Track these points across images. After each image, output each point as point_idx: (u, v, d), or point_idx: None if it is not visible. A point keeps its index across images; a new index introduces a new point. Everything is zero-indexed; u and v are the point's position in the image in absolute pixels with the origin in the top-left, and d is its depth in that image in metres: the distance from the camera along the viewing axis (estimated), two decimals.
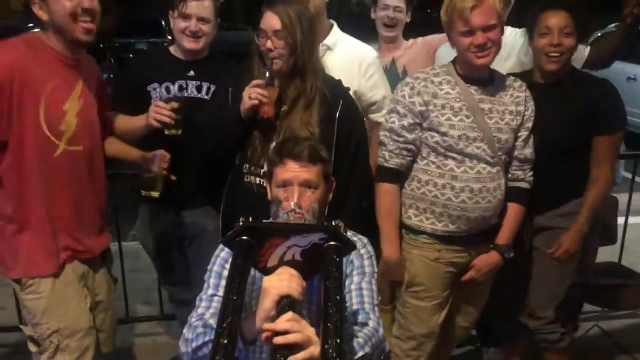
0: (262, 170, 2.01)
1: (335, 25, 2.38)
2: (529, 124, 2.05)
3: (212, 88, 2.26)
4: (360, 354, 1.38)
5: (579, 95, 2.13)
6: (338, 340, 0.91)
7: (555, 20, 2.05)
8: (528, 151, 2.07)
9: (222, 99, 2.09)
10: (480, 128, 1.95)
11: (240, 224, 1.14)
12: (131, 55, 8.41)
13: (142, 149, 2.20)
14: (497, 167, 1.99)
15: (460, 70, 2.00)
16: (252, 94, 1.91)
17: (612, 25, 7.71)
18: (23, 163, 1.84)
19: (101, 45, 7.81)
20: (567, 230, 2.17)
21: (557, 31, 2.05)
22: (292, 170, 1.60)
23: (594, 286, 2.67)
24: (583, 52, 2.42)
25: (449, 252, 2.04)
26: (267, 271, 1.18)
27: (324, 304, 1.00)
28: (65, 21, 1.82)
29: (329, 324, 0.94)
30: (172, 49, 2.33)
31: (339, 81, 2.12)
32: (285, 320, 1.08)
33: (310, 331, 1.09)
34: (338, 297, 0.99)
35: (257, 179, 2.03)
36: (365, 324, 1.47)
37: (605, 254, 2.40)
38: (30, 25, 5.76)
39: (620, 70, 6.76)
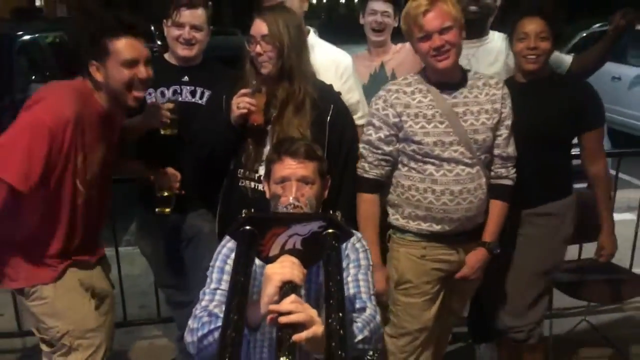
0: (256, 175, 2.07)
1: (312, 31, 2.45)
2: (508, 122, 2.10)
3: (206, 93, 2.32)
4: (359, 337, 1.44)
5: (560, 93, 2.23)
6: (341, 314, 0.96)
7: (531, 26, 2.17)
8: (511, 149, 2.12)
9: (217, 105, 2.14)
10: (456, 132, 1.99)
11: (243, 215, 1.19)
12: None
13: (139, 152, 2.25)
14: (476, 167, 2.04)
15: (431, 77, 2.04)
16: (240, 103, 1.98)
17: (597, 25, 7.84)
18: (57, 206, 1.89)
19: None
20: (602, 232, 2.35)
21: (533, 36, 2.16)
22: (290, 166, 1.68)
23: (580, 282, 2.75)
24: (565, 61, 2.53)
25: (435, 249, 2.09)
26: (270, 260, 1.24)
27: (325, 284, 1.05)
28: (120, 89, 1.87)
29: (331, 301, 0.99)
30: (166, 55, 2.40)
31: (330, 86, 2.18)
32: (289, 302, 1.13)
33: (313, 312, 1.15)
34: (338, 277, 1.04)
35: (252, 183, 2.08)
36: (363, 310, 1.53)
37: (592, 250, 2.47)
38: (20, 33, 5.83)
39: (605, 70, 6.80)
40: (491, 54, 2.56)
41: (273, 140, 2.00)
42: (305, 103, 2.02)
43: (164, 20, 2.29)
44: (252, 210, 1.19)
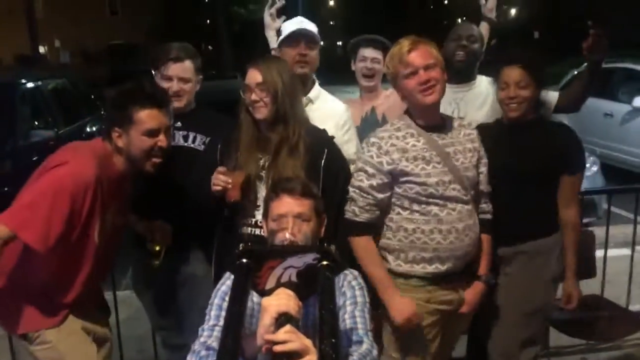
0: (252, 220, 2.12)
1: (317, 81, 2.56)
2: (485, 159, 2.19)
3: (199, 137, 2.40)
4: None
5: (544, 136, 2.29)
6: (334, 340, 0.99)
7: (511, 75, 2.24)
8: (488, 186, 2.21)
9: (212, 156, 2.22)
10: (452, 171, 2.05)
11: (241, 248, 1.23)
12: None
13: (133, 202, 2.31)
14: (471, 204, 2.10)
15: (419, 121, 2.10)
16: (216, 180, 2.05)
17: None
18: (75, 259, 1.97)
19: (92, 97, 7.99)
20: (566, 280, 2.34)
21: (513, 85, 2.23)
22: (287, 203, 1.74)
23: (578, 319, 2.74)
24: (552, 98, 2.58)
25: (439, 291, 2.11)
26: (266, 293, 1.27)
27: (319, 311, 1.08)
28: (139, 155, 1.97)
29: (324, 327, 1.02)
30: None
31: (324, 130, 2.24)
32: (284, 332, 1.17)
33: (308, 341, 1.17)
34: (331, 306, 1.08)
35: (249, 229, 2.13)
36: (359, 344, 1.57)
37: (589, 287, 2.48)
38: (23, 81, 5.96)
39: (598, 107, 6.98)
40: (479, 98, 2.64)
41: (268, 184, 2.05)
42: (299, 146, 2.08)
43: (153, 72, 2.39)
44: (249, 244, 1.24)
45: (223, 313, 1.61)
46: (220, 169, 2.08)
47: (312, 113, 2.37)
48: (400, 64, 2.03)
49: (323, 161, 2.12)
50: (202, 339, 1.59)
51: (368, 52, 2.76)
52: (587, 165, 4.15)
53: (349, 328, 1.60)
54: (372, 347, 1.58)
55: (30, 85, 6.01)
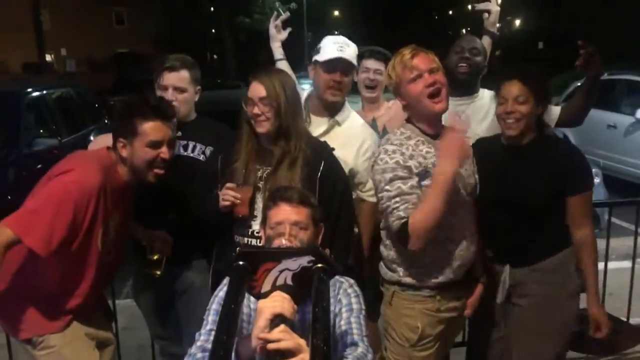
0: (249, 230, 2.13)
1: (347, 103, 2.52)
2: (476, 167, 2.18)
3: (198, 146, 2.42)
4: None
5: (545, 158, 2.19)
6: (325, 332, 1.00)
7: (509, 90, 2.17)
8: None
9: (213, 167, 2.23)
10: (459, 178, 2.04)
11: (237, 252, 1.25)
12: None
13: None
14: (472, 210, 2.13)
15: (424, 129, 2.06)
16: (225, 196, 2.06)
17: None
18: (79, 266, 1.99)
19: (96, 105, 8.04)
20: (590, 306, 2.25)
21: (511, 100, 2.15)
22: (284, 211, 1.76)
23: (578, 333, 2.72)
24: (554, 112, 2.56)
25: (447, 300, 2.11)
26: (262, 296, 1.28)
27: (312, 309, 1.09)
28: (142, 166, 2.00)
29: (316, 324, 1.03)
30: None
31: (324, 142, 2.25)
32: (278, 331, 1.19)
33: (301, 341, 1.19)
34: (324, 304, 1.08)
35: (246, 239, 2.14)
36: (354, 345, 1.58)
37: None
38: (29, 90, 6.01)
39: (601, 119, 6.99)
40: (481, 111, 2.65)
41: (265, 195, 2.06)
42: (298, 159, 2.09)
43: (155, 83, 2.42)
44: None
45: None
46: (229, 185, 2.09)
47: (335, 136, 2.38)
48: (405, 69, 2.01)
49: (319, 174, 2.12)
50: (198, 343, 1.61)
51: (370, 64, 2.78)
52: None
53: (344, 332, 1.62)
54: (367, 351, 1.59)
55: (35, 94, 6.06)
